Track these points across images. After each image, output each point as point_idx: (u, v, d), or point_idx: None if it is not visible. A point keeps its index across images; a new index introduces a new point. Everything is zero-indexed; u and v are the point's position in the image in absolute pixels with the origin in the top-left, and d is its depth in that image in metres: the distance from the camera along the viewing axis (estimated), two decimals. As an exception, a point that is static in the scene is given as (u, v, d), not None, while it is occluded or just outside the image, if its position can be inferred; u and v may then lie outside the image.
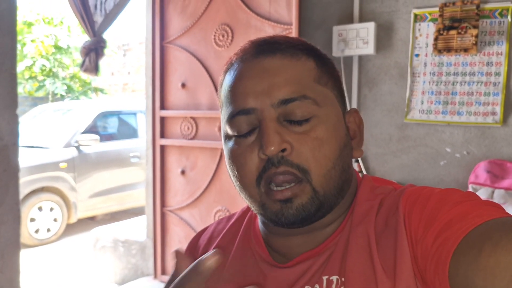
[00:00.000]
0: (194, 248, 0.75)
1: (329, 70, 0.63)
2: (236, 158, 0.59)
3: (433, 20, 2.14)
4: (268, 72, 0.58)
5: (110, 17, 2.77)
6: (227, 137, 0.61)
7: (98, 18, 2.74)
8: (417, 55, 2.19)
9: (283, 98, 0.57)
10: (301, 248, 0.62)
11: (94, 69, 2.72)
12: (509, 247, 0.43)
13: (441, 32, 2.06)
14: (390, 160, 2.27)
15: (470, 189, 1.99)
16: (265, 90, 0.57)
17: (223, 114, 0.62)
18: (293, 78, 0.58)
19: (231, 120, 0.59)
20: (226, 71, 0.63)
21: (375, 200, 0.61)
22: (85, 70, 2.72)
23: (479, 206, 0.51)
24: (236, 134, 0.59)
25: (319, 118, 0.58)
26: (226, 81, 0.62)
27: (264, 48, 0.60)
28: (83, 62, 2.71)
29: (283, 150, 0.56)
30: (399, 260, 0.53)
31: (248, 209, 0.72)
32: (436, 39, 2.08)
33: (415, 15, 2.19)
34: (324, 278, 0.57)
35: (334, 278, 0.57)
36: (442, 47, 2.07)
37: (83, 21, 2.65)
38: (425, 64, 2.18)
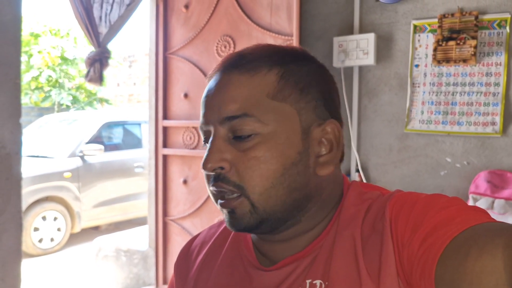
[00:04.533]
0: (186, 255, 0.76)
1: (300, 79, 0.61)
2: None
3: (433, 31, 2.16)
4: (223, 88, 0.60)
5: (114, 28, 2.82)
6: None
7: (103, 29, 2.79)
8: (416, 66, 2.21)
9: (227, 116, 0.58)
10: (286, 252, 0.63)
11: (98, 79, 2.75)
12: (494, 252, 0.43)
13: (440, 43, 2.08)
14: (391, 170, 2.28)
15: (471, 199, 1.99)
16: (216, 106, 0.60)
17: None
18: (242, 95, 0.59)
19: (200, 129, 0.63)
20: (208, 82, 0.66)
21: (362, 205, 0.61)
22: (90, 80, 2.76)
23: (465, 211, 0.52)
24: (204, 141, 0.63)
25: (262, 136, 0.58)
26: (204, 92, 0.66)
27: (230, 62, 0.61)
28: (88, 72, 2.75)
29: (222, 168, 0.58)
30: (383, 264, 0.54)
31: None
32: (435, 50, 2.10)
33: (415, 26, 2.21)
34: (308, 281, 0.58)
35: (318, 282, 0.57)
36: (441, 57, 2.08)
37: (88, 32, 2.70)
38: (425, 75, 2.19)
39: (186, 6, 2.85)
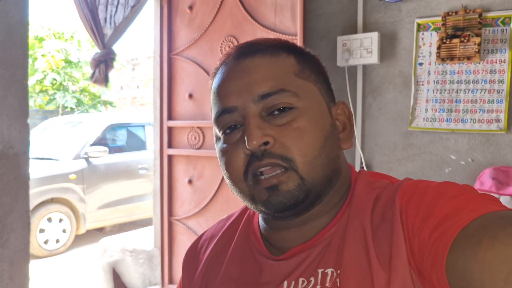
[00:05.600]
0: (194, 252, 0.77)
1: (311, 65, 0.65)
2: (224, 155, 0.62)
3: (436, 29, 2.16)
4: (248, 71, 0.61)
5: (119, 30, 2.84)
6: (217, 138, 0.65)
7: (108, 31, 2.81)
8: (420, 64, 2.22)
9: (262, 93, 0.59)
10: (295, 241, 0.63)
11: (103, 80, 2.77)
12: (507, 241, 0.43)
13: (444, 40, 2.09)
14: (395, 168, 2.28)
15: (476, 196, 1.99)
16: (245, 87, 0.60)
17: (212, 116, 0.65)
18: (272, 74, 0.60)
19: (217, 120, 0.62)
20: (213, 77, 0.66)
21: (372, 194, 0.61)
22: (95, 82, 2.78)
23: (477, 200, 0.52)
24: (223, 133, 0.62)
25: (300, 109, 0.59)
26: (213, 85, 0.65)
27: (245, 50, 0.63)
28: (93, 73, 2.77)
29: (266, 143, 0.58)
30: (394, 253, 0.53)
31: (247, 207, 0.74)
32: (439, 47, 2.10)
33: (418, 25, 2.21)
34: (320, 271, 0.58)
35: (329, 270, 0.57)
36: (445, 55, 2.09)
37: (93, 33, 2.72)
38: (429, 73, 2.20)
39: (191, 7, 2.86)
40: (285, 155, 0.58)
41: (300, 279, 0.59)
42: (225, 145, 0.62)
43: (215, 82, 0.64)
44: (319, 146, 0.59)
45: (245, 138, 0.58)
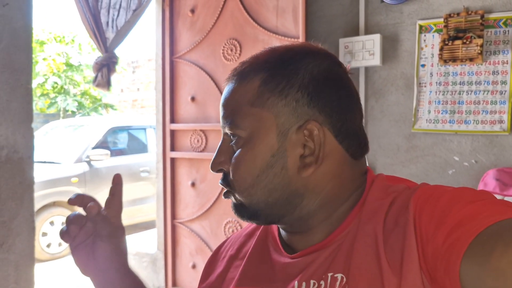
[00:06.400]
0: (216, 255, 0.80)
1: (277, 84, 0.62)
2: None
3: (438, 31, 2.17)
4: (225, 96, 0.67)
5: (121, 34, 2.85)
6: None
7: (110, 35, 2.81)
8: (423, 66, 2.22)
9: (223, 123, 0.66)
10: (306, 243, 0.64)
11: (106, 84, 2.78)
12: None
13: (446, 42, 2.09)
14: (399, 170, 2.28)
15: (479, 198, 2.00)
16: (221, 113, 0.67)
17: None
18: (231, 103, 0.65)
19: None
20: None
21: (387, 198, 0.61)
22: (98, 85, 2.78)
23: (492, 205, 0.51)
24: None
25: (242, 140, 0.63)
26: None
27: (234, 72, 0.67)
28: (96, 77, 2.77)
29: (222, 169, 0.66)
30: (406, 258, 0.53)
31: None
32: (441, 49, 2.11)
33: (420, 26, 2.22)
34: (329, 274, 0.58)
35: (339, 275, 0.57)
36: (448, 57, 2.10)
37: (95, 37, 2.72)
38: (431, 74, 2.20)
39: (192, 11, 2.87)
40: (229, 182, 0.65)
41: (311, 281, 0.59)
42: None
43: None
44: (252, 177, 0.63)
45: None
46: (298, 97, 0.61)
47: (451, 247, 0.49)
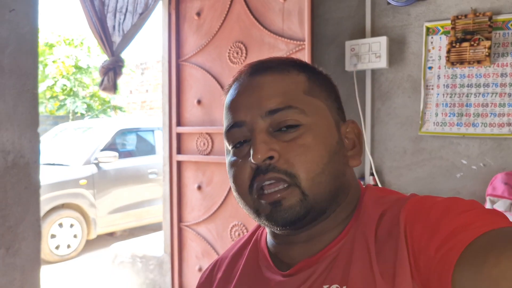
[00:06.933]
0: (208, 276, 0.79)
1: (321, 83, 0.66)
2: (232, 168, 0.63)
3: (446, 33, 2.14)
4: (258, 87, 0.62)
5: (127, 37, 2.86)
6: (227, 151, 0.66)
7: (116, 38, 2.83)
8: (430, 68, 2.20)
9: (270, 109, 0.61)
10: (302, 256, 0.63)
11: (112, 87, 2.79)
12: None
13: (454, 44, 2.07)
14: (405, 173, 2.26)
15: (488, 202, 1.97)
16: (255, 103, 0.62)
17: (223, 129, 0.67)
18: (281, 91, 0.62)
19: (227, 133, 0.64)
20: (226, 93, 0.68)
21: (378, 210, 0.61)
22: (104, 89, 2.80)
23: (483, 215, 0.51)
24: (232, 146, 0.64)
25: (306, 126, 0.61)
26: (225, 101, 0.67)
27: (257, 67, 0.65)
28: (102, 81, 2.79)
29: (271, 158, 0.59)
30: (398, 270, 0.53)
31: (258, 226, 0.76)
32: (448, 51, 2.08)
33: (427, 28, 2.20)
34: (325, 287, 0.58)
35: (334, 287, 0.57)
36: (455, 59, 2.07)
37: (102, 41, 2.74)
38: (439, 77, 2.18)
39: (198, 14, 2.87)
40: (289, 171, 0.59)
41: None
42: (234, 158, 0.63)
43: (228, 98, 0.66)
44: (323, 163, 0.60)
45: (251, 152, 0.59)
46: (335, 100, 0.68)
47: (444, 257, 0.49)
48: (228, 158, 0.65)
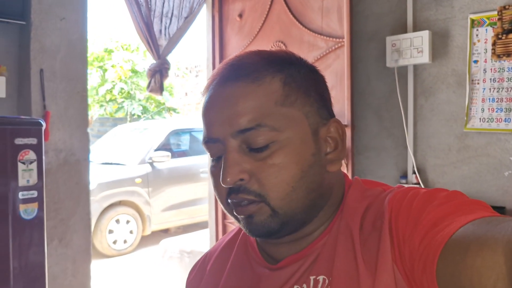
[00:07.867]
0: (196, 270, 0.79)
1: (301, 83, 0.62)
2: (212, 177, 0.63)
3: (492, 25, 2.05)
4: (230, 101, 0.59)
5: (173, 41, 2.97)
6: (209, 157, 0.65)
7: (163, 42, 2.95)
8: (475, 62, 2.11)
9: (239, 129, 0.58)
10: (290, 251, 0.64)
11: (159, 89, 2.91)
12: (495, 247, 0.43)
13: (500, 36, 1.97)
14: (450, 171, 2.18)
15: (539, 201, 1.86)
16: (226, 120, 0.59)
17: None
18: (252, 106, 0.58)
19: (204, 144, 0.63)
20: (203, 94, 0.65)
21: (363, 202, 0.62)
22: (151, 91, 2.92)
23: (466, 205, 0.52)
24: (211, 157, 0.63)
25: (278, 143, 0.58)
26: (201, 107, 0.65)
27: (230, 74, 0.61)
28: (149, 83, 2.92)
29: (242, 179, 0.58)
30: (380, 260, 0.54)
31: None
32: (494, 44, 1.99)
33: (472, 21, 2.11)
34: (312, 278, 0.59)
35: (321, 278, 0.59)
36: (502, 51, 1.97)
37: (149, 45, 2.87)
38: (485, 71, 2.08)
39: (240, 15, 2.93)
40: (258, 192, 0.58)
41: (295, 286, 0.61)
42: (213, 168, 0.63)
43: (202, 106, 0.64)
44: (294, 181, 0.58)
45: (221, 173, 0.58)
46: (318, 98, 0.63)
47: (428, 247, 0.49)
48: (210, 165, 0.64)
